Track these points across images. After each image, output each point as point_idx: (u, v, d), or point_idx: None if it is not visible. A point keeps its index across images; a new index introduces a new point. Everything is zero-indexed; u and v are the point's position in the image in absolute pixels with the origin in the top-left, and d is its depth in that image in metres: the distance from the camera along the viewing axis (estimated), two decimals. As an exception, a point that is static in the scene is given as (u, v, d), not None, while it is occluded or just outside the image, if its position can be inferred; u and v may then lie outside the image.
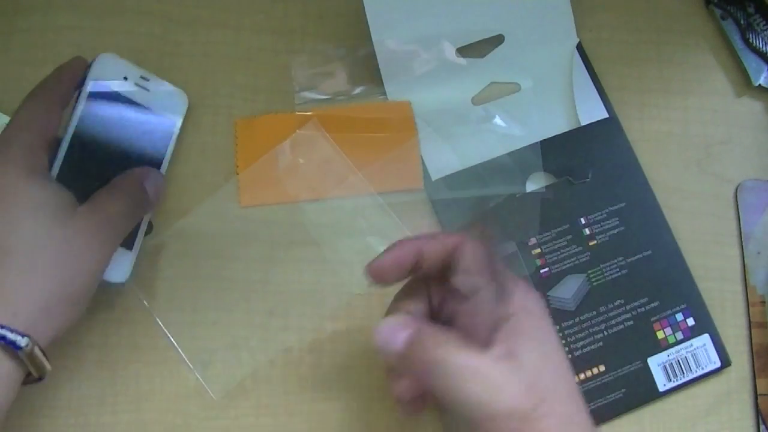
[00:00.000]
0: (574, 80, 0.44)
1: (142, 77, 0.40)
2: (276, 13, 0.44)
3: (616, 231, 0.43)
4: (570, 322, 0.41)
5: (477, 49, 0.44)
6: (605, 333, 0.41)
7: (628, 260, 0.42)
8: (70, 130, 0.38)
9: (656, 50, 0.46)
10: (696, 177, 0.45)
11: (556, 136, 0.43)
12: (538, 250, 0.42)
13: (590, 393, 0.40)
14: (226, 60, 0.43)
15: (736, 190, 0.45)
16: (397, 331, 0.31)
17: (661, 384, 0.41)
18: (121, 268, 0.38)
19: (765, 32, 0.46)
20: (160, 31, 0.43)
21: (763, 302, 0.43)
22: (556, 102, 0.44)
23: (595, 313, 0.41)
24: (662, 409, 0.41)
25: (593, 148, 0.43)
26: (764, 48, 0.46)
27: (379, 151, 0.42)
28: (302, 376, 0.40)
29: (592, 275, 0.42)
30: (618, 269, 0.42)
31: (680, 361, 0.41)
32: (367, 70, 0.43)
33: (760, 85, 0.46)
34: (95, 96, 0.39)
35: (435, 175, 0.42)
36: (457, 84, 0.44)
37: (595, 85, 0.45)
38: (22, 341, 0.30)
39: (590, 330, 0.41)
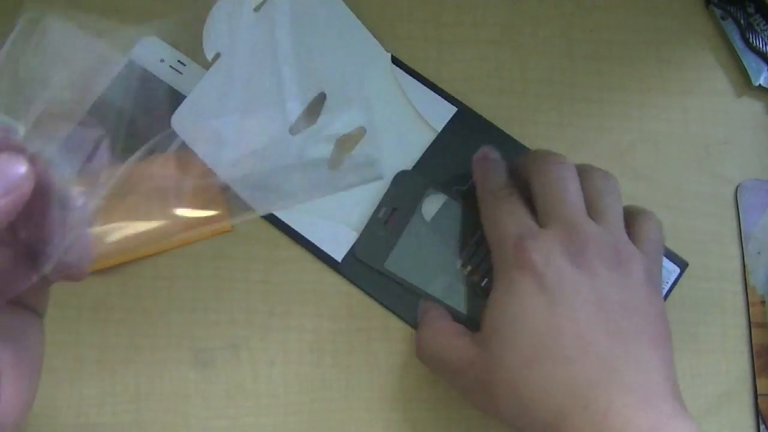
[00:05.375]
0: (406, 93, 0.43)
1: (179, 61, 0.42)
2: (276, 13, 0.44)
3: None
4: None
5: (308, 117, 0.41)
6: None
7: None
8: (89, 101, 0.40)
9: (656, 50, 0.46)
10: (696, 177, 0.45)
11: (423, 154, 0.42)
12: (469, 267, 0.41)
13: None
14: (226, 60, 0.43)
15: (736, 190, 0.45)
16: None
17: None
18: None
19: (765, 32, 0.46)
20: (161, 31, 0.43)
21: (763, 302, 0.43)
22: (405, 122, 0.43)
23: None
24: (662, 409, 0.41)
25: (463, 147, 0.42)
26: (764, 48, 0.46)
27: None
28: (302, 376, 0.40)
29: None
30: None
31: None
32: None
33: (760, 85, 0.46)
34: (127, 72, 0.41)
35: (339, 255, 0.41)
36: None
37: (427, 87, 0.43)
38: None
39: None
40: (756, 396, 0.42)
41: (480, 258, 0.41)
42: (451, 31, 0.45)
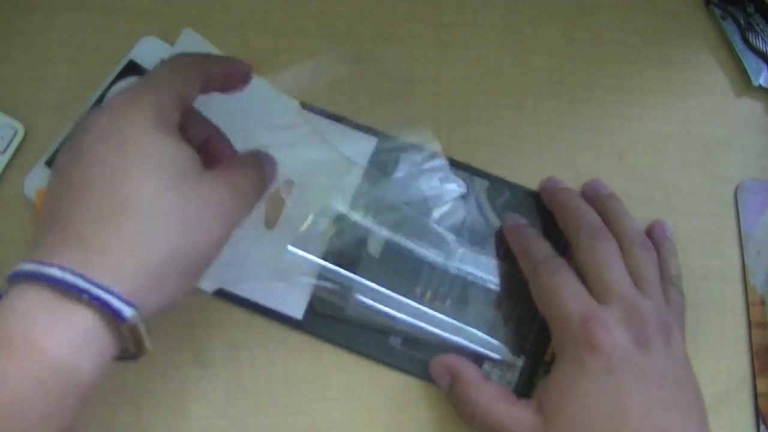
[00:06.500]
0: (323, 135, 0.40)
1: None
2: (276, 13, 0.44)
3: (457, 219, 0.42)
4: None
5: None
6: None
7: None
8: (89, 102, 0.41)
9: (656, 50, 0.46)
10: (696, 177, 0.45)
11: (356, 191, 0.41)
12: (429, 294, 0.40)
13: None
14: (226, 60, 0.43)
15: (736, 190, 0.45)
16: (443, 375, 0.38)
17: None
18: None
19: (765, 32, 0.46)
20: (160, 31, 0.43)
21: (763, 302, 0.43)
22: (330, 164, 0.41)
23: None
24: (662, 409, 0.41)
25: (392, 174, 0.41)
26: (764, 48, 0.46)
27: None
28: (302, 376, 0.40)
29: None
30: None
31: None
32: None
33: (760, 85, 0.46)
34: (128, 72, 0.41)
35: (299, 314, 0.40)
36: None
37: (342, 124, 0.41)
38: (127, 311, 0.26)
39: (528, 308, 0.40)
40: (756, 396, 0.42)
41: (437, 282, 0.41)
42: (451, 31, 0.45)
